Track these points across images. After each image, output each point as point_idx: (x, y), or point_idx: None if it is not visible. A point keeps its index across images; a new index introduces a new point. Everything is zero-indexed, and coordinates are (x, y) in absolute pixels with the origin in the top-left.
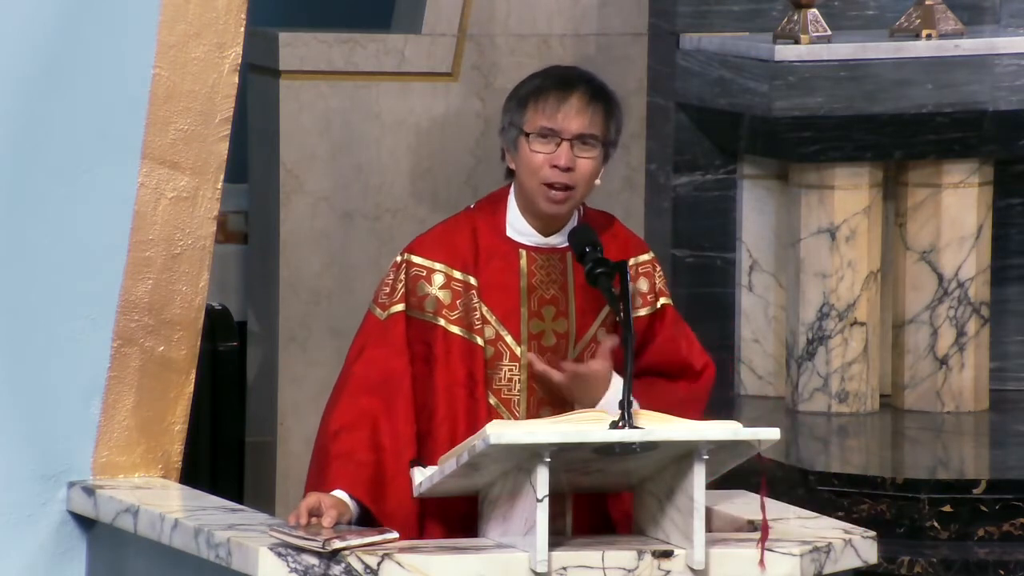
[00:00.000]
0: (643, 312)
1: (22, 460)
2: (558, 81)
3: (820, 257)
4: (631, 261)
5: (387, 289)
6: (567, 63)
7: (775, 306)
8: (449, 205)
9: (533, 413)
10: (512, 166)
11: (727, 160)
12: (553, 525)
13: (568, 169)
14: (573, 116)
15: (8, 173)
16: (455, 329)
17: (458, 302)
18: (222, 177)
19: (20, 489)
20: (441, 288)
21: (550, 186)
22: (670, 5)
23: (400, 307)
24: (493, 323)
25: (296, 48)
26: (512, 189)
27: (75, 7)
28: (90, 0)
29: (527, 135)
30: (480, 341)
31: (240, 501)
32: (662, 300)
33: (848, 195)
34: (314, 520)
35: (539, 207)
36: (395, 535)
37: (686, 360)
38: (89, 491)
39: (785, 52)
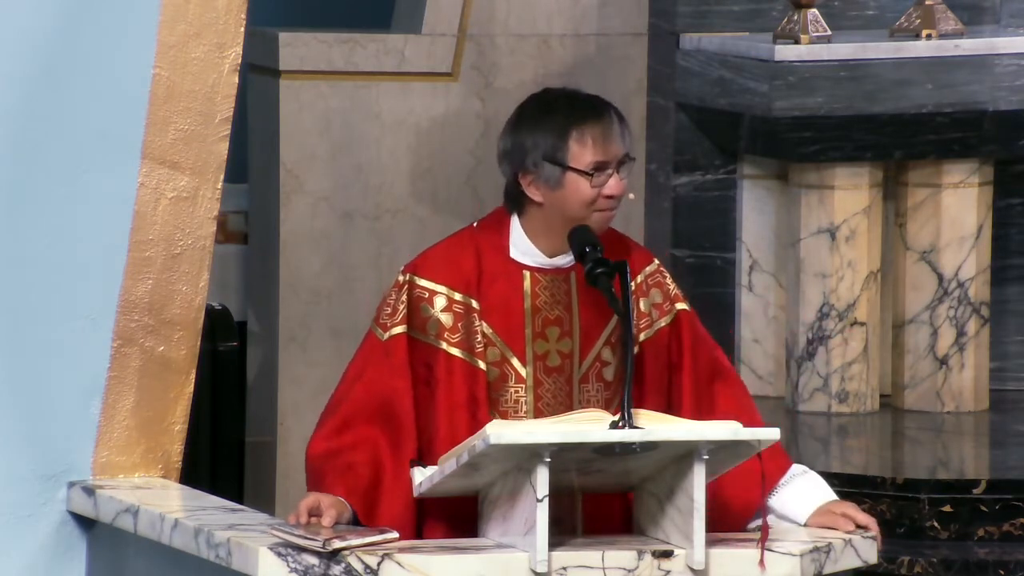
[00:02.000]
0: (663, 322)
1: (22, 460)
2: (592, 110)
3: (820, 257)
4: (640, 276)
5: (388, 310)
6: (567, 63)
7: (775, 306)
8: (449, 205)
9: None
10: (540, 199)
11: (727, 160)
12: (562, 525)
13: (619, 195)
14: (617, 143)
15: (8, 173)
16: (456, 352)
17: (459, 325)
18: (222, 177)
19: (20, 489)
20: (443, 311)
21: (600, 212)
22: (670, 5)
23: (402, 328)
24: (498, 345)
25: (296, 48)
26: (515, 217)
27: (75, 7)
28: (90, 0)
29: (585, 173)
30: (482, 364)
31: (240, 501)
32: (678, 305)
33: (848, 195)
34: (313, 520)
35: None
36: (395, 535)
37: (718, 361)
38: (89, 491)
39: (785, 52)
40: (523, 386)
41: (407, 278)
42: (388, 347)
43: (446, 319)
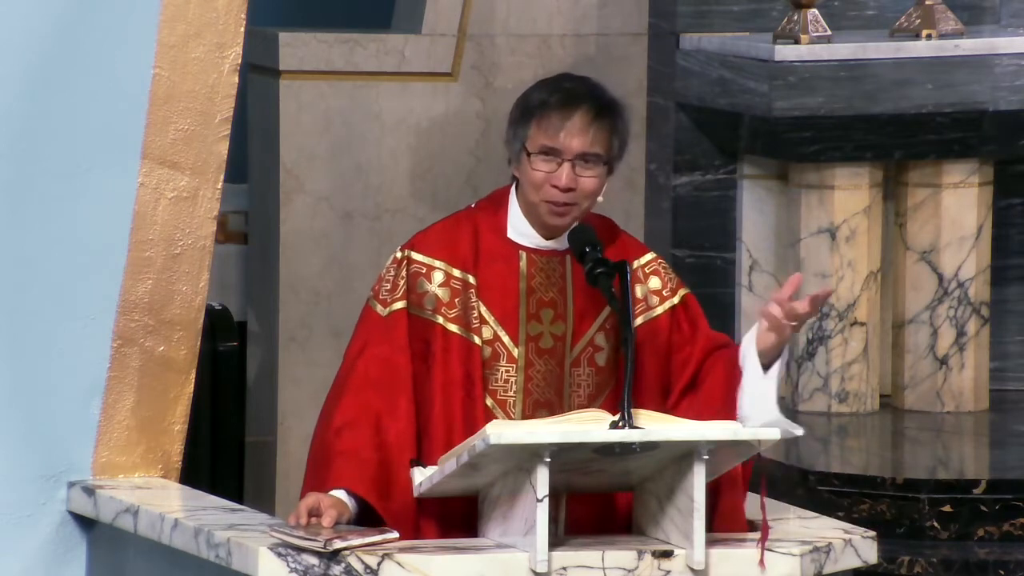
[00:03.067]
0: (659, 310)
1: (22, 460)
2: (563, 98)
3: (820, 257)
4: (634, 265)
5: (388, 285)
6: (567, 63)
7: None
8: (449, 205)
9: (529, 415)
10: (516, 174)
11: (727, 160)
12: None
13: (569, 189)
14: (575, 135)
15: (8, 173)
16: (453, 327)
17: (456, 300)
18: (222, 177)
19: (20, 489)
20: (440, 286)
21: (552, 202)
22: (670, 5)
23: (402, 304)
24: (491, 323)
25: (296, 48)
26: (514, 191)
27: (75, 7)
28: (90, 0)
29: (529, 153)
30: (478, 340)
31: (240, 501)
32: (681, 291)
33: (848, 195)
34: (313, 520)
35: (542, 219)
36: (395, 535)
37: (724, 339)
38: (89, 491)
39: (785, 52)
40: (514, 366)
41: (405, 254)
42: (388, 323)
43: (443, 294)
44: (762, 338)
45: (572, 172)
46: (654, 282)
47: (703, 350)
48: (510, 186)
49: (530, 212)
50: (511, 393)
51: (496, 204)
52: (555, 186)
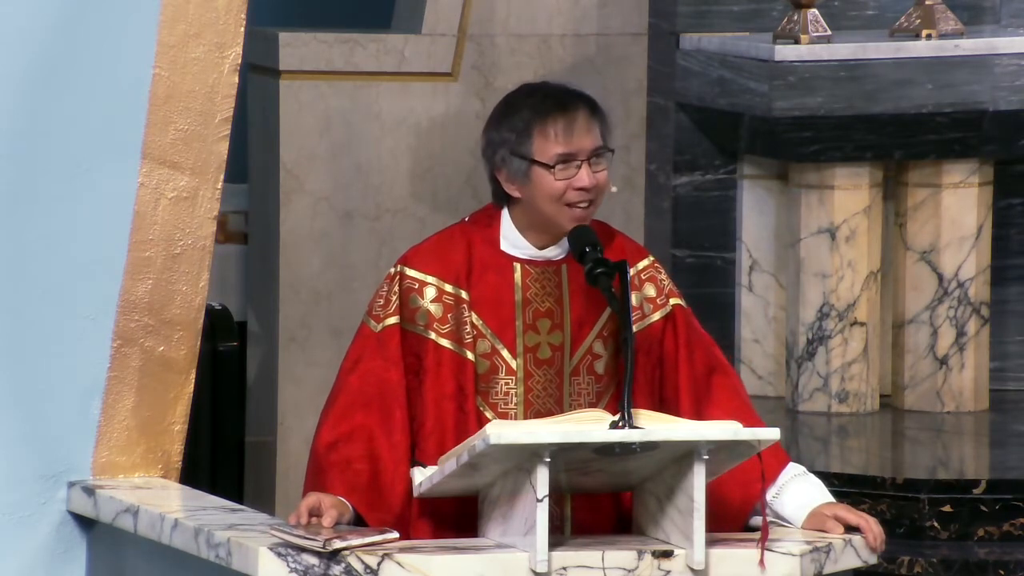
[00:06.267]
0: (656, 316)
1: (22, 460)
2: (557, 103)
3: (820, 257)
4: (631, 271)
5: (381, 301)
6: (567, 63)
7: (775, 306)
8: (449, 205)
9: None
10: (517, 194)
11: (727, 160)
12: (550, 523)
13: (591, 187)
14: (585, 135)
15: (8, 173)
16: (445, 343)
17: (449, 316)
18: (222, 177)
19: (20, 489)
20: (432, 301)
21: (573, 206)
22: (670, 5)
23: (394, 319)
24: (488, 337)
25: (296, 48)
26: (506, 210)
27: (75, 7)
28: (90, 0)
29: (547, 166)
30: (470, 355)
31: (240, 501)
32: (672, 300)
33: (848, 195)
34: (314, 520)
35: (563, 226)
36: (395, 535)
37: (715, 356)
38: (89, 491)
39: (785, 52)
40: (513, 378)
41: (398, 270)
42: (382, 338)
43: (436, 310)
44: (812, 522)
45: (590, 171)
46: (649, 290)
47: (686, 388)
48: (493, 205)
49: (538, 224)
50: (512, 405)
51: (488, 217)
52: (579, 188)
